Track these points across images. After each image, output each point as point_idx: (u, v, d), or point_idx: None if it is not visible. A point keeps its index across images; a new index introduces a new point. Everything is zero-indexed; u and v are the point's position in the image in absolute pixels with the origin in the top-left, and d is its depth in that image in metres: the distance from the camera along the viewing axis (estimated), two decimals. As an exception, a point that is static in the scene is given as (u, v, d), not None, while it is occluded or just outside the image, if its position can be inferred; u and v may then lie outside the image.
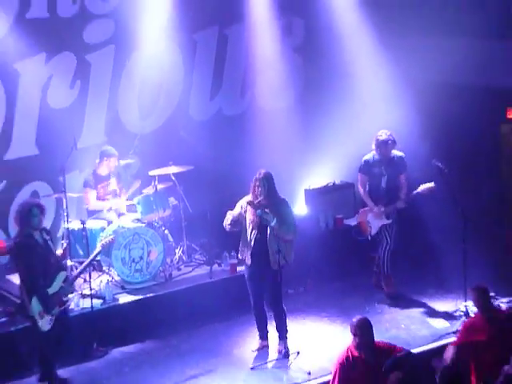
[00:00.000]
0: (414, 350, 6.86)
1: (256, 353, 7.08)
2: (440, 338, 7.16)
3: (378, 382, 5.33)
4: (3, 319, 7.19)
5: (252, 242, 6.86)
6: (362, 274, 8.57)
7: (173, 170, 8.47)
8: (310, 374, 6.67)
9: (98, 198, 8.20)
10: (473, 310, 7.11)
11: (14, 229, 8.52)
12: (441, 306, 7.87)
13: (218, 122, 9.80)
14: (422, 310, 7.85)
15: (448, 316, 7.58)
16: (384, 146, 7.84)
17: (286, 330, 7.04)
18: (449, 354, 6.12)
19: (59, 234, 8.33)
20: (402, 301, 8.00)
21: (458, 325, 7.23)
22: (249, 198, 6.88)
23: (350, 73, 9.68)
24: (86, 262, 7.04)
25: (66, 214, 7.59)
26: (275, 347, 7.08)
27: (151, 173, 8.41)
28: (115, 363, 7.06)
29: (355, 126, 9.38)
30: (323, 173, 9.60)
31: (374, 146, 7.94)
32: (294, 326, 7.26)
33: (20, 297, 6.63)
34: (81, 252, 7.82)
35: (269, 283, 6.92)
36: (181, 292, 7.86)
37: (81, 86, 8.83)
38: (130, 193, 8.46)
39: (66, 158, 7.82)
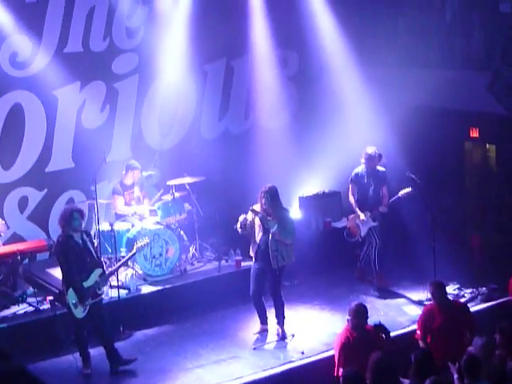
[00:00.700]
0: (393, 334, 6.91)
1: (257, 335, 7.08)
2: (414, 322, 7.06)
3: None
4: (44, 306, 7.22)
5: (258, 243, 6.89)
6: (346, 268, 8.56)
7: (187, 180, 8.50)
8: (303, 353, 6.68)
9: (125, 204, 8.23)
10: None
11: (53, 230, 8.65)
12: (414, 295, 7.86)
13: (226, 140, 9.80)
14: (398, 299, 7.85)
15: (420, 304, 7.56)
16: (372, 159, 7.93)
17: (283, 317, 7.04)
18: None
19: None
20: (381, 291, 7.99)
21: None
22: (256, 206, 6.93)
23: (337, 98, 9.67)
24: (122, 261, 7.00)
25: (96, 217, 7.56)
26: (274, 330, 7.08)
27: (169, 183, 8.44)
28: (138, 343, 7.07)
29: (341, 144, 9.35)
30: (314, 183, 9.59)
31: (363, 160, 8.00)
32: (289, 312, 7.25)
33: (61, 287, 6.63)
34: (109, 249, 7.82)
35: (269, 279, 6.93)
36: (194, 284, 7.87)
37: (110, 110, 8.87)
38: (154, 200, 8.45)
39: (97, 170, 7.82)
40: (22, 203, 8.49)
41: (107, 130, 8.88)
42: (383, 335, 5.94)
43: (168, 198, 8.33)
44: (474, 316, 6.48)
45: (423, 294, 7.66)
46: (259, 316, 7.16)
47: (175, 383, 6.34)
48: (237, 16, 9.43)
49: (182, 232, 8.38)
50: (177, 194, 8.37)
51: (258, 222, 6.91)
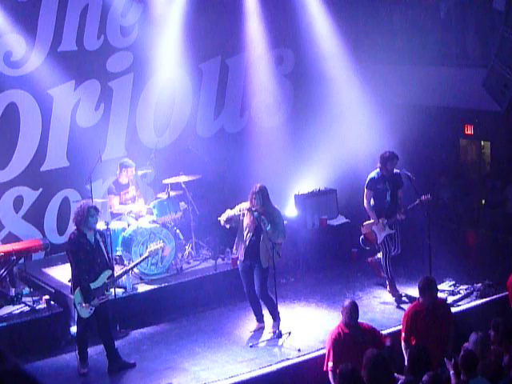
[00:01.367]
0: (388, 330, 6.94)
1: (254, 333, 7.07)
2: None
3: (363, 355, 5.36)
4: (40, 305, 7.17)
5: (247, 242, 6.88)
6: (342, 266, 8.57)
7: (183, 178, 8.46)
8: (299, 350, 6.67)
9: (121, 203, 8.19)
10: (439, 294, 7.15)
11: (49, 229, 8.64)
12: (410, 292, 7.81)
13: (221, 138, 9.79)
14: (394, 296, 7.75)
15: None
16: (385, 161, 7.54)
17: (278, 314, 7.02)
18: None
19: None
20: (378, 289, 7.99)
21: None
22: (247, 205, 6.90)
23: (332, 96, 9.71)
24: (133, 264, 6.94)
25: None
26: (270, 328, 7.07)
27: (165, 181, 8.41)
28: (135, 342, 7.05)
29: (337, 141, 9.38)
30: (310, 180, 9.58)
31: (379, 164, 7.59)
32: (285, 310, 7.26)
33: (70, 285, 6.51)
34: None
35: (256, 277, 6.91)
36: (190, 282, 7.85)
37: (104, 109, 8.85)
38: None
39: (92, 169, 7.84)
40: (17, 203, 8.48)
41: (102, 129, 8.87)
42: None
43: (164, 196, 8.32)
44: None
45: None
46: (255, 314, 7.16)
47: (172, 382, 6.30)
48: (232, 14, 9.43)
49: (177, 230, 8.36)
50: (172, 193, 8.35)
51: (247, 221, 6.89)
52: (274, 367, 6.43)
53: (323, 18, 9.64)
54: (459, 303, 7.49)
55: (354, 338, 5.79)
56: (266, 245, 6.77)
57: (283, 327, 7.02)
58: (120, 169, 8.22)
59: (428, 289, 6.08)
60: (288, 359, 6.55)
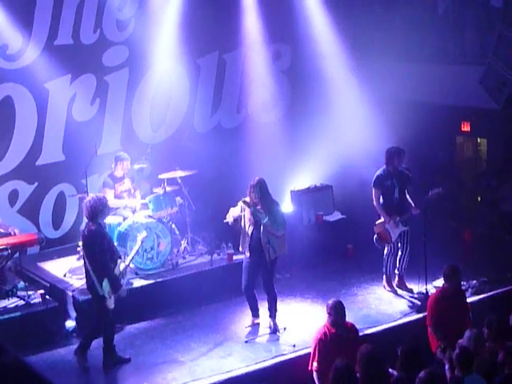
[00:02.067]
0: (383, 327, 6.97)
1: (249, 328, 7.07)
2: (404, 315, 7.19)
3: (350, 354, 5.39)
4: (35, 300, 7.16)
5: (250, 238, 6.86)
6: (338, 261, 8.58)
7: (179, 173, 8.45)
8: (294, 346, 6.67)
9: (116, 197, 8.17)
10: (431, 291, 7.18)
11: (44, 223, 8.63)
12: (405, 288, 7.83)
13: (218, 134, 9.81)
14: (389, 292, 7.81)
15: (411, 298, 7.59)
16: (397, 156, 7.37)
17: (275, 310, 7.03)
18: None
19: (82, 228, 8.33)
20: (373, 285, 7.98)
21: (419, 304, 7.30)
22: (247, 199, 6.89)
23: (329, 92, 9.72)
24: (133, 253, 6.87)
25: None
26: (266, 324, 7.07)
27: (161, 176, 8.39)
28: (130, 337, 7.04)
29: (334, 138, 9.40)
30: (306, 176, 9.60)
31: (386, 161, 7.42)
32: (281, 305, 7.25)
33: (88, 279, 6.37)
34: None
35: (262, 272, 6.91)
36: (186, 277, 7.84)
37: (100, 103, 8.86)
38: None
39: (88, 163, 7.83)
40: (13, 197, 8.47)
41: (98, 123, 8.87)
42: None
43: (159, 191, 8.31)
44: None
45: (414, 288, 7.69)
46: (251, 309, 7.16)
47: (167, 377, 6.33)
48: (229, 9, 9.44)
49: (173, 225, 8.36)
50: (168, 188, 8.34)
51: (247, 215, 6.89)
52: (270, 362, 6.44)
53: (321, 13, 9.65)
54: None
55: (340, 336, 5.81)
56: (267, 237, 6.76)
57: (279, 323, 7.02)
58: (115, 162, 8.20)
59: (453, 276, 6.44)
60: (283, 354, 6.56)
